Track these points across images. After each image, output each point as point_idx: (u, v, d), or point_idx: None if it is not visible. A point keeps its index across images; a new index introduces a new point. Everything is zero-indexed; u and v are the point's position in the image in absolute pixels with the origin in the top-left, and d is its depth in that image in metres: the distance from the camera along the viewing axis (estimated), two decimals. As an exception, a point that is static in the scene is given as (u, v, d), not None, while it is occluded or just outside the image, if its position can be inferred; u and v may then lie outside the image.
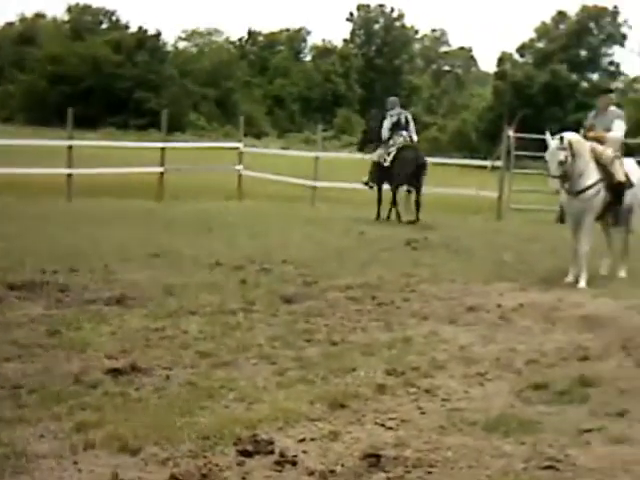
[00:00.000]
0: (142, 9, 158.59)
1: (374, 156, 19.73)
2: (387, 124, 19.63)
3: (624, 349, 8.12)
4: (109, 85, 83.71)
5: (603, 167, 11.93)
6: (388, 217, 19.64)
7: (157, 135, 32.71)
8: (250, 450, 5.31)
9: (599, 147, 12.06)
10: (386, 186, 19.82)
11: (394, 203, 19.69)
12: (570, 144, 11.58)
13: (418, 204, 19.18)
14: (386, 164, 19.36)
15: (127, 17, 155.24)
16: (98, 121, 70.22)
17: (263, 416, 5.91)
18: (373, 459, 5.25)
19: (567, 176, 11.62)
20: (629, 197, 12.26)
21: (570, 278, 11.76)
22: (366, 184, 20.28)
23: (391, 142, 19.47)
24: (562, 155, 11.48)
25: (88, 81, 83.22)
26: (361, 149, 22.00)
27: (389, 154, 19.33)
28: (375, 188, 19.99)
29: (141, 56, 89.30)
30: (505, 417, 6.11)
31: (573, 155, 11.59)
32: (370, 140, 20.87)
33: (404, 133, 19.65)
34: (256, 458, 5.25)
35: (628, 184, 12.17)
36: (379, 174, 19.71)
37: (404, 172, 19.03)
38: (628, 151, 13.76)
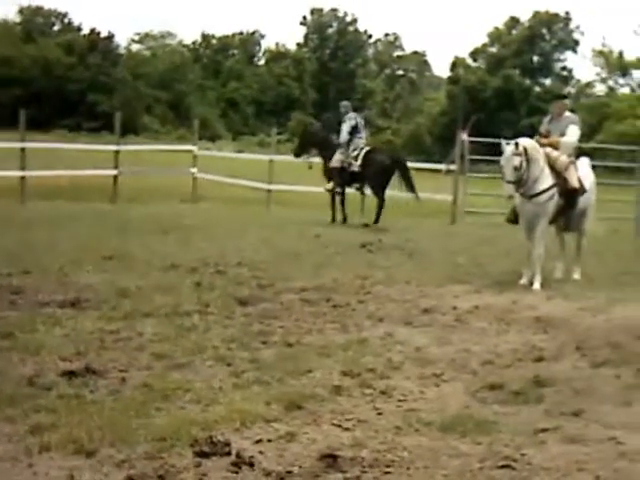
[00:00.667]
0: (95, 11, 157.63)
1: (334, 162, 19.50)
2: (346, 128, 19.47)
3: (578, 350, 8.19)
4: (61, 87, 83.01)
5: (557, 173, 12.05)
6: (343, 219, 19.65)
7: (110, 138, 32.51)
8: (207, 451, 5.28)
9: (554, 153, 12.18)
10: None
11: (342, 205, 19.74)
12: (525, 150, 11.69)
13: (381, 208, 19.18)
14: (354, 168, 19.27)
15: (79, 19, 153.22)
16: (50, 123, 69.49)
17: (219, 417, 5.88)
18: (330, 460, 5.25)
19: (522, 181, 11.73)
20: (582, 202, 12.40)
21: (524, 280, 11.87)
22: (331, 191, 19.89)
23: (352, 146, 19.41)
24: (517, 161, 11.59)
25: (40, 83, 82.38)
26: (298, 154, 20.67)
27: (356, 158, 19.26)
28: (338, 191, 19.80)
29: (93, 58, 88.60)
30: (461, 417, 6.13)
31: (528, 161, 11.70)
32: (312, 144, 20.45)
33: (362, 136, 19.67)
34: (213, 459, 5.23)
35: (581, 190, 12.30)
36: (344, 179, 19.47)
37: (383, 173, 19.07)
38: (582, 154, 13.86)
